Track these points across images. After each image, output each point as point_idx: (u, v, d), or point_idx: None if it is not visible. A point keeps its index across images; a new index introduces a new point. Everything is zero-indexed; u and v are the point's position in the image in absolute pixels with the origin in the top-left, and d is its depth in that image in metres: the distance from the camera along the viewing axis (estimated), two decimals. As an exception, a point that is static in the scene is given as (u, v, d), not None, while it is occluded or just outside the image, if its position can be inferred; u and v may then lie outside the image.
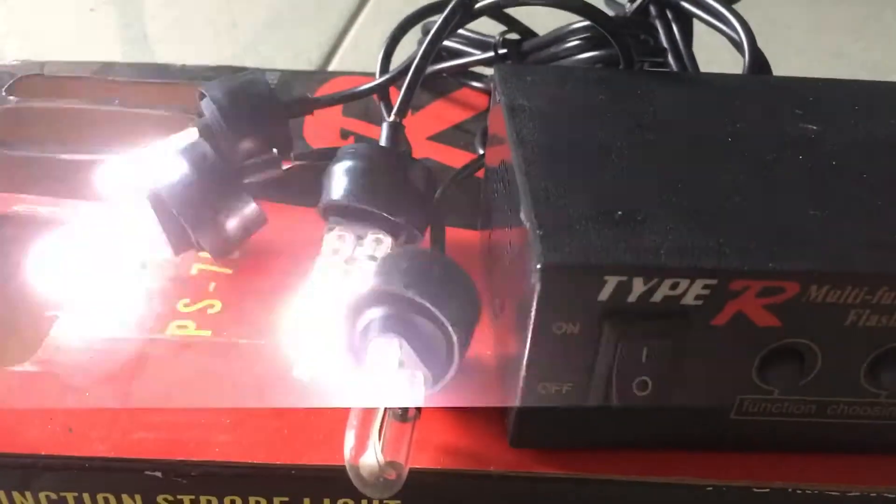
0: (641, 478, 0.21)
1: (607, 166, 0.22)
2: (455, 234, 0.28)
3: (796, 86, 0.26)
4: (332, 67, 0.54)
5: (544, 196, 0.20)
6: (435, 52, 0.27)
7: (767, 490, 0.21)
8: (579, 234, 0.19)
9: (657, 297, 0.19)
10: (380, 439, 0.20)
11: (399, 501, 0.22)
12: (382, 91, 0.30)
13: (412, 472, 0.20)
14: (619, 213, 0.20)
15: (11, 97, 0.35)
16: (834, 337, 0.19)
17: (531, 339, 0.19)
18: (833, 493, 0.21)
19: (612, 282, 0.18)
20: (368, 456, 0.19)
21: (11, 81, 0.35)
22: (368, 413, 0.20)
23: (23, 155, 0.32)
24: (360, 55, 0.56)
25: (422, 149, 0.33)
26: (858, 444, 0.21)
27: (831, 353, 0.20)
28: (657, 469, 0.21)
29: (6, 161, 0.32)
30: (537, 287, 0.18)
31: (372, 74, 0.33)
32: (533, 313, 0.19)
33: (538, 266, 0.18)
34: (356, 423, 0.20)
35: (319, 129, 0.33)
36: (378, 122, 0.33)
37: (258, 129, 0.28)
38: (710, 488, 0.21)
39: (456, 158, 0.32)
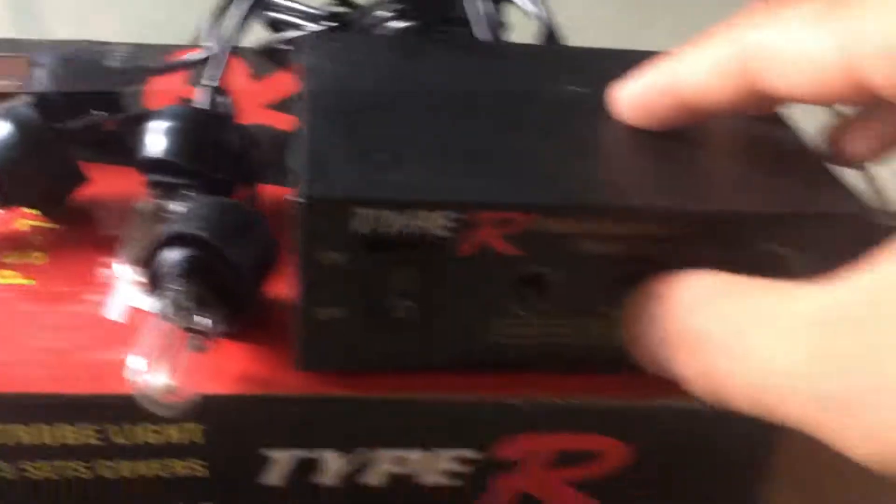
0: (409, 394, 0.24)
1: (382, 118, 0.24)
2: (278, 191, 0.30)
3: (570, 53, 0.29)
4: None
5: (319, 142, 0.23)
6: (246, 21, 0.29)
7: (522, 402, 0.24)
8: (339, 175, 0.21)
9: (410, 228, 0.21)
10: (169, 365, 0.22)
11: (201, 425, 0.24)
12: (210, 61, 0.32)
13: (210, 397, 0.22)
14: (380, 156, 0.22)
15: None
16: (569, 263, 0.22)
17: (301, 268, 0.22)
18: (584, 405, 0.24)
19: (367, 214, 0.21)
20: (156, 378, 0.22)
21: None
22: (162, 343, 0.22)
23: None
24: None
25: (260, 116, 0.35)
26: (598, 360, 0.24)
27: (568, 278, 0.22)
28: (423, 387, 0.24)
29: None
30: (300, 220, 0.21)
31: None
32: (300, 244, 0.21)
33: (299, 201, 0.21)
34: (148, 350, 0.22)
35: (161, 97, 0.35)
36: (218, 91, 0.35)
37: (93, 98, 0.30)
38: (472, 402, 0.24)
39: (290, 125, 0.35)
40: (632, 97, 0.24)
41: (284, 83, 0.37)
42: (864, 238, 0.21)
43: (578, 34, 0.32)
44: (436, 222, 0.21)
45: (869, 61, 0.19)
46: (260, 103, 0.36)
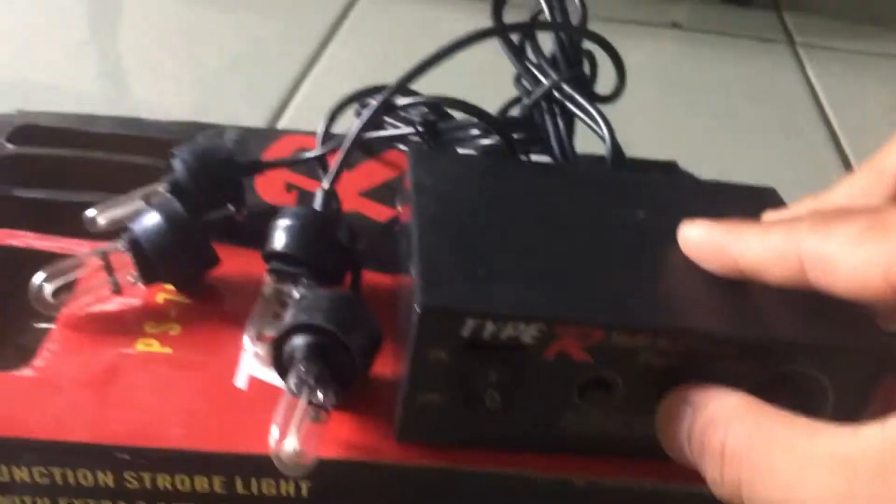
0: (492, 469, 0.28)
1: (480, 236, 0.29)
2: (375, 278, 0.35)
3: (637, 181, 0.33)
4: (290, 108, 0.61)
5: (429, 256, 0.27)
6: (360, 140, 0.34)
7: (584, 481, 0.28)
8: (450, 287, 0.26)
9: (503, 335, 0.26)
10: (297, 433, 0.26)
11: (309, 483, 0.28)
12: (320, 160, 0.37)
13: (321, 460, 0.27)
14: (482, 272, 0.27)
15: (10, 145, 0.40)
16: (631, 371, 0.27)
17: (412, 360, 0.26)
18: (631, 485, 0.29)
19: (470, 323, 0.26)
20: (287, 445, 0.26)
21: (11, 130, 0.41)
22: (290, 414, 0.27)
23: (22, 196, 0.38)
24: (314, 103, 0.63)
25: (353, 203, 0.40)
26: (652, 451, 0.28)
27: (630, 383, 0.27)
28: (503, 463, 0.28)
29: (8, 201, 0.38)
30: (416, 323, 0.25)
31: (315, 133, 0.41)
32: (413, 341, 0.26)
33: (418, 308, 0.25)
34: (280, 421, 0.27)
35: (269, 183, 0.40)
36: (317, 177, 0.40)
37: (218, 186, 0.35)
38: (542, 478, 0.28)
39: (381, 213, 0.39)
40: (696, 244, 0.28)
41: (375, 172, 0.42)
42: (883, 373, 0.25)
43: (622, 118, 0.36)
44: (527, 332, 0.26)
45: None
46: (354, 191, 0.41)
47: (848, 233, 0.23)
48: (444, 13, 0.77)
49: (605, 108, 0.37)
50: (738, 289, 0.27)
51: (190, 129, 0.43)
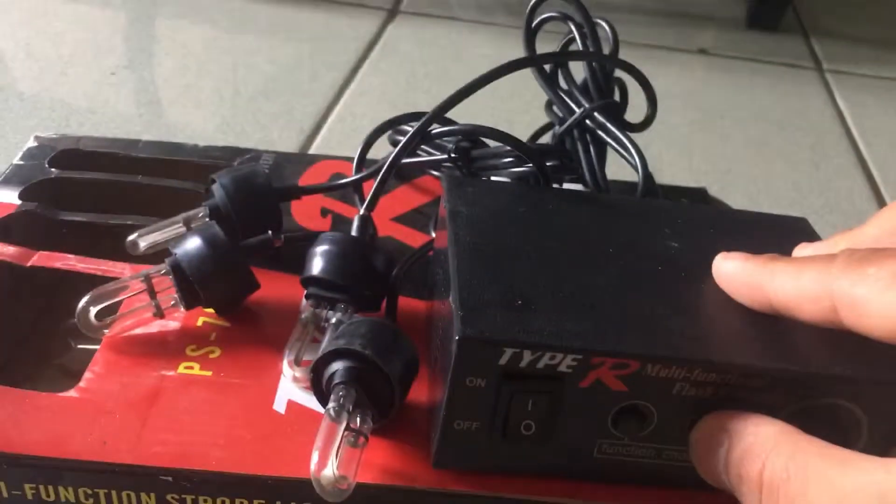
0: (528, 496, 0.29)
1: (516, 265, 0.29)
2: (408, 302, 0.35)
3: (668, 209, 0.34)
4: (323, 130, 0.62)
5: (467, 285, 0.28)
6: (395, 167, 0.34)
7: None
8: (488, 316, 0.27)
9: (540, 364, 0.26)
10: (336, 458, 0.27)
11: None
12: (356, 186, 0.38)
13: (358, 485, 0.27)
14: (519, 301, 0.27)
15: (53, 169, 0.42)
16: (665, 401, 0.27)
17: (450, 388, 0.27)
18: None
19: (508, 352, 0.26)
20: (327, 470, 0.27)
21: (53, 154, 0.42)
22: (329, 439, 0.27)
23: (64, 219, 0.39)
24: (346, 126, 0.64)
25: (387, 228, 0.41)
26: (684, 480, 0.28)
27: (664, 412, 0.27)
28: (541, 491, 0.29)
29: (51, 224, 0.39)
30: (455, 352, 0.26)
31: (351, 158, 0.42)
32: (451, 369, 0.26)
33: (457, 338, 0.26)
34: (320, 445, 0.27)
35: (305, 207, 0.41)
36: (352, 203, 0.41)
37: (256, 212, 0.36)
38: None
39: (414, 238, 0.40)
40: (730, 279, 0.28)
41: (408, 198, 0.43)
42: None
43: (651, 144, 0.37)
44: (564, 362, 0.26)
45: None
46: (387, 217, 0.41)
47: (880, 275, 0.23)
48: (473, 38, 0.78)
49: (633, 133, 0.38)
50: (774, 321, 0.27)
51: (228, 154, 0.44)
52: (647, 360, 0.26)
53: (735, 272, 0.28)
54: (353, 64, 0.72)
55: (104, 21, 0.75)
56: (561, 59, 0.38)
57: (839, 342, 0.27)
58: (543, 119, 0.42)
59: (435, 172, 0.44)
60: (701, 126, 0.70)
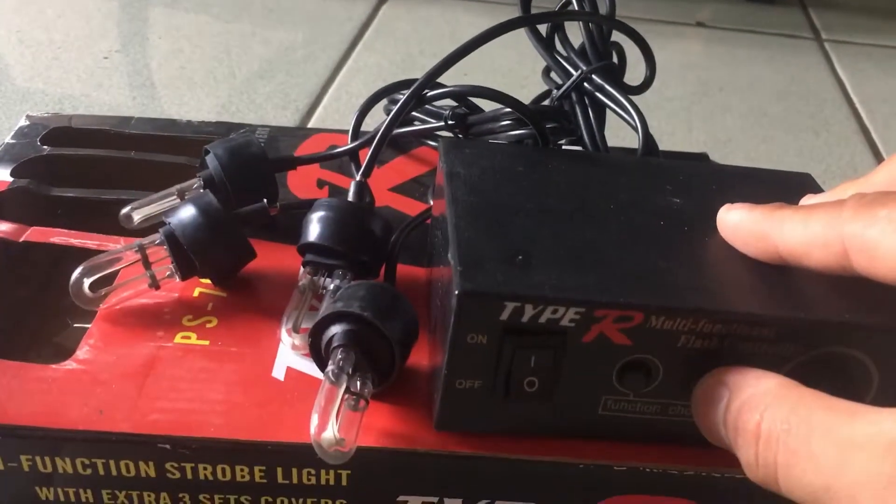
0: (532, 457, 0.28)
1: (516, 222, 0.29)
2: (408, 270, 0.35)
3: (670, 167, 0.33)
4: (319, 109, 0.62)
5: (466, 242, 0.27)
6: (391, 132, 0.34)
7: (625, 468, 0.28)
8: (488, 272, 0.26)
9: (543, 319, 0.26)
10: (336, 421, 0.26)
11: (349, 471, 0.28)
12: (352, 154, 0.38)
13: (359, 448, 0.27)
14: (520, 257, 0.27)
15: (45, 146, 0.41)
16: (671, 354, 0.27)
17: (450, 346, 0.26)
18: (672, 472, 0.28)
19: (509, 307, 0.25)
20: (328, 432, 0.26)
21: (45, 132, 0.42)
22: (329, 401, 0.27)
23: (57, 195, 0.38)
24: (342, 104, 0.63)
25: (384, 198, 0.40)
26: (691, 438, 0.28)
27: (669, 366, 0.27)
28: (541, 450, 0.28)
29: (43, 200, 0.38)
30: (455, 307, 0.25)
31: (346, 131, 0.41)
32: (452, 326, 0.26)
33: (456, 292, 0.25)
34: (320, 408, 0.27)
35: (301, 179, 0.40)
36: (348, 174, 0.40)
37: (251, 182, 0.35)
38: (582, 465, 0.28)
39: (411, 207, 0.40)
40: (735, 229, 0.28)
41: (404, 168, 0.43)
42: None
43: (650, 116, 0.36)
44: (566, 315, 0.26)
45: None
46: (384, 187, 0.41)
47: (893, 216, 0.23)
48: (468, 16, 0.77)
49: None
50: (779, 271, 0.27)
51: (222, 130, 0.43)
52: (651, 311, 0.26)
53: (741, 222, 0.28)
54: (347, 44, 0.72)
55: (96, 5, 0.74)
56: (556, 18, 0.37)
57: (849, 290, 0.26)
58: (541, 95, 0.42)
59: (432, 143, 0.44)
60: (700, 98, 0.69)
